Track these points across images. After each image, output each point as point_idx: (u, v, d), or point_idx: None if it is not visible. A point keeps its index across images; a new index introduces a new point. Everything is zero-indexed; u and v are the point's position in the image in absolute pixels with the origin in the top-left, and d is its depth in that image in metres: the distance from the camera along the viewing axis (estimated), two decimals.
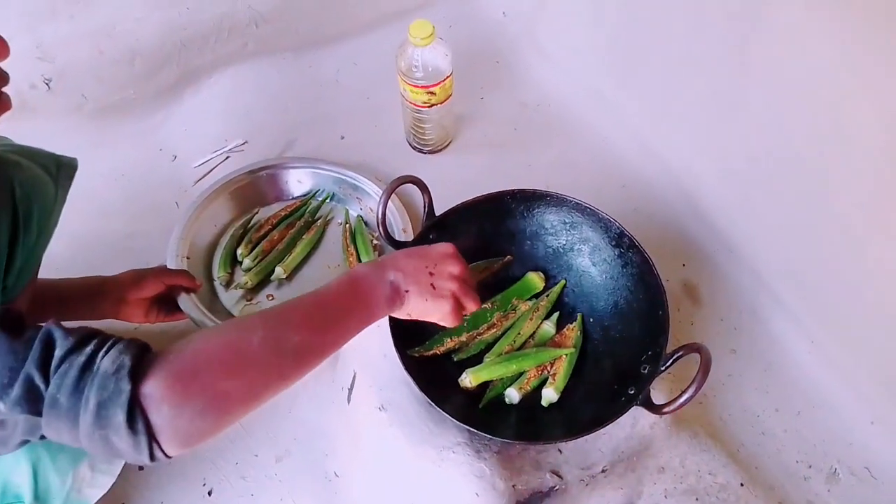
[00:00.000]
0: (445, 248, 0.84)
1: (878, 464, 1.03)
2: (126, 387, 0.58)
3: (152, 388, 0.59)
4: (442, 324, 0.82)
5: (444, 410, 0.82)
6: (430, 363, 0.94)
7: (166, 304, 1.07)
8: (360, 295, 0.76)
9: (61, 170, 0.76)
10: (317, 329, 0.72)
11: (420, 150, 1.38)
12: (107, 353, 0.60)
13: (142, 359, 0.61)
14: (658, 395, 0.93)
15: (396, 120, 1.38)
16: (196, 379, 0.62)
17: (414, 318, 0.80)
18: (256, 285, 1.19)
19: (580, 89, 1.46)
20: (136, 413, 0.58)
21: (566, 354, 0.95)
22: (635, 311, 0.95)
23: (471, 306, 0.83)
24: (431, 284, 0.79)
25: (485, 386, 0.94)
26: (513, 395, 0.92)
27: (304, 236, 1.24)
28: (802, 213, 1.05)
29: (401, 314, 0.79)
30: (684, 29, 1.14)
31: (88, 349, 0.60)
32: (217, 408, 0.63)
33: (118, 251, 1.22)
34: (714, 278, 1.21)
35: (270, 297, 1.18)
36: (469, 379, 0.92)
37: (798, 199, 1.04)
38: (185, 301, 1.07)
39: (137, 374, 0.59)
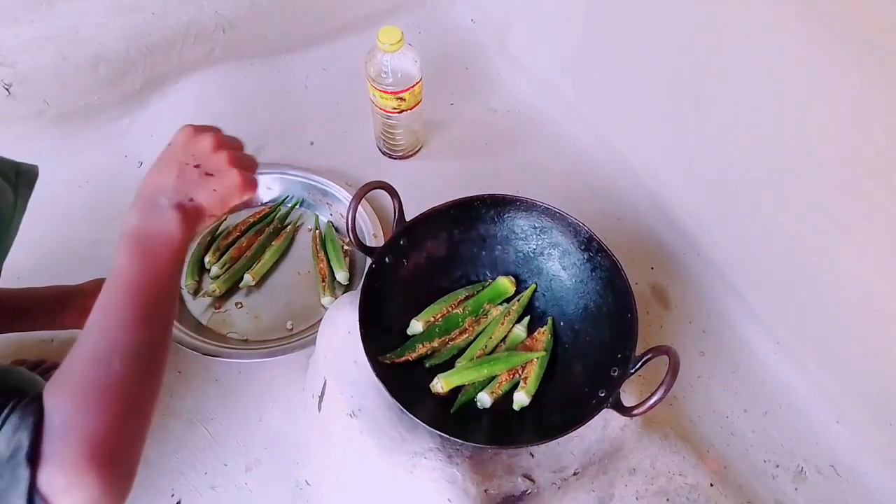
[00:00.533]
0: (183, 134, 0.74)
1: (843, 462, 1.05)
2: (24, 475, 0.54)
3: (56, 476, 0.55)
4: (247, 197, 0.74)
5: (415, 416, 0.82)
6: (401, 369, 0.94)
7: None
8: (152, 248, 0.67)
9: (21, 177, 0.75)
10: (147, 311, 0.65)
11: (390, 156, 1.38)
12: (0, 429, 0.56)
13: (41, 427, 0.56)
14: (628, 397, 0.94)
15: (366, 125, 1.38)
16: (102, 447, 0.57)
17: (223, 212, 0.73)
18: (225, 293, 1.17)
19: (549, 94, 1.47)
20: (36, 500, 0.54)
21: (537, 358, 0.95)
22: (605, 315, 0.96)
23: (250, 164, 0.75)
24: (206, 173, 0.70)
25: (457, 391, 0.93)
26: (484, 399, 0.92)
27: (273, 243, 1.23)
28: (767, 217, 1.06)
29: (210, 221, 0.73)
30: (651, 36, 1.15)
31: None
32: (128, 459, 0.61)
33: (83, 259, 1.20)
34: (682, 281, 1.22)
35: (239, 306, 1.17)
36: (441, 384, 0.91)
37: (763, 202, 1.06)
38: None
39: (37, 457, 0.55)
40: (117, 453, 0.59)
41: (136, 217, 0.68)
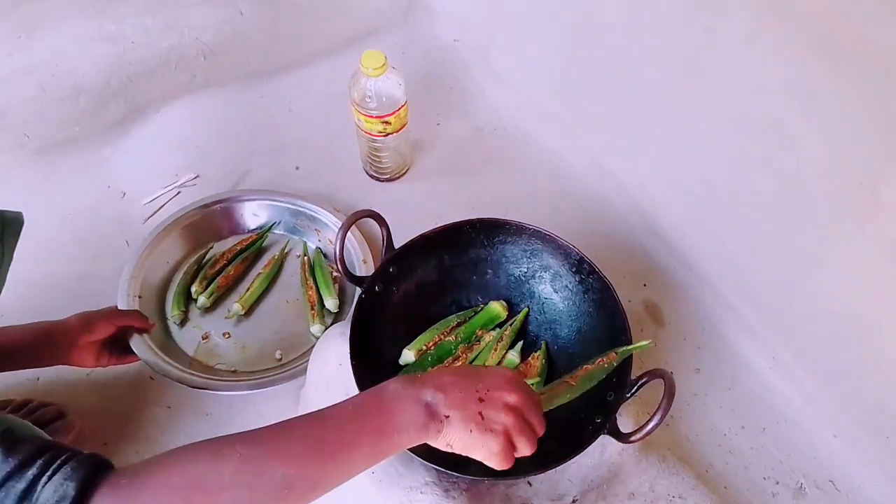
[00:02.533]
0: (504, 371, 0.72)
1: (841, 476, 1.04)
2: None
3: None
4: (488, 464, 0.68)
5: (409, 450, 0.80)
6: None
7: (118, 346, 1.03)
8: (383, 416, 0.64)
9: (6, 227, 0.73)
10: (312, 460, 0.60)
11: (377, 179, 1.37)
12: (51, 478, 0.55)
13: (89, 486, 0.55)
14: (624, 420, 0.93)
15: (352, 147, 1.37)
16: None
17: (456, 451, 0.67)
18: (213, 322, 1.16)
19: (534, 112, 1.47)
20: None
21: (532, 384, 0.94)
22: (599, 338, 0.95)
23: (524, 449, 0.69)
24: (479, 413, 0.65)
25: None
26: None
27: (261, 271, 1.21)
28: (758, 231, 1.06)
29: (438, 444, 0.66)
30: (635, 51, 1.15)
31: (30, 473, 0.55)
32: None
33: (68, 294, 1.18)
34: (675, 297, 1.22)
35: (227, 336, 1.15)
36: None
37: (753, 216, 1.06)
38: (137, 342, 1.04)
39: None
40: None
41: (399, 384, 0.67)
